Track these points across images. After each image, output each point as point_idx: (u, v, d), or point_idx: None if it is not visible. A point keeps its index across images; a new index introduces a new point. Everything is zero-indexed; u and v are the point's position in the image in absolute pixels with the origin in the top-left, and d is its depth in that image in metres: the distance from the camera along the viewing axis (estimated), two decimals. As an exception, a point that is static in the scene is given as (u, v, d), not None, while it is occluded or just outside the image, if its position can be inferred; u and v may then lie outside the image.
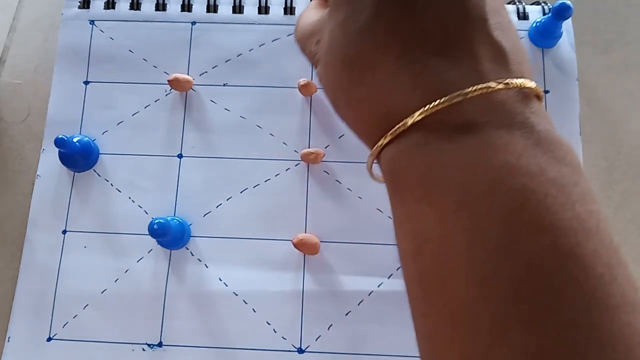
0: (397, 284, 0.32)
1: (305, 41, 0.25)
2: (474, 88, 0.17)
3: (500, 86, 0.17)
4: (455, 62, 0.18)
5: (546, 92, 0.35)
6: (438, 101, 0.17)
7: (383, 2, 0.18)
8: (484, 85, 0.17)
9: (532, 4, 0.37)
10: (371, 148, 0.20)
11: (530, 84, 0.18)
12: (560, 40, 0.36)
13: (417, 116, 0.17)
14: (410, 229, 0.18)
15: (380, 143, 0.19)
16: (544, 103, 0.19)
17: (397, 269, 0.32)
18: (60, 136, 0.32)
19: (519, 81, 0.17)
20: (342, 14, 0.20)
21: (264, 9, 0.37)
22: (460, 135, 0.17)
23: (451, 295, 0.16)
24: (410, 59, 0.18)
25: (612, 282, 0.15)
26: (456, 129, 0.17)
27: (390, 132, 0.18)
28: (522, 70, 0.18)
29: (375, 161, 0.20)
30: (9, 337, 0.32)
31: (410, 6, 0.18)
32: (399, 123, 0.18)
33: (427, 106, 0.17)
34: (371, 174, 0.22)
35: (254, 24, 0.37)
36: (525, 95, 0.18)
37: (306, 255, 0.33)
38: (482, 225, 0.16)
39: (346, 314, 0.32)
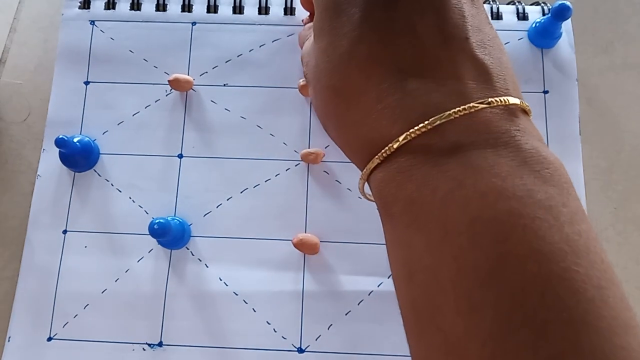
0: (397, 284, 0.32)
1: (302, 61, 0.25)
2: (457, 109, 0.17)
3: (484, 105, 0.17)
4: (438, 83, 0.18)
5: (546, 92, 0.35)
6: (421, 125, 0.17)
7: (364, 28, 0.18)
8: (467, 105, 0.17)
9: (531, 5, 0.37)
10: (361, 170, 0.20)
11: (514, 100, 0.17)
12: (560, 40, 0.36)
13: (401, 140, 0.17)
14: (401, 254, 0.18)
15: (368, 167, 0.19)
16: (531, 117, 0.19)
17: (397, 269, 0.32)
18: (60, 136, 0.32)
19: (502, 99, 0.17)
20: (325, 41, 0.20)
21: (264, 10, 0.37)
22: (445, 158, 0.17)
23: (441, 324, 0.16)
24: (393, 84, 0.18)
25: (603, 304, 0.15)
26: (441, 152, 0.17)
27: (377, 155, 0.18)
28: (507, 86, 0.18)
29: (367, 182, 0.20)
30: (9, 337, 0.32)
31: (389, 31, 0.18)
32: (383, 147, 0.18)
33: (412, 130, 0.17)
34: (364, 195, 0.22)
35: (254, 24, 0.37)
36: (511, 112, 0.17)
37: (306, 255, 0.33)
38: (467, 255, 0.16)
39: (346, 314, 0.32)
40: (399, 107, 0.18)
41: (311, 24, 0.31)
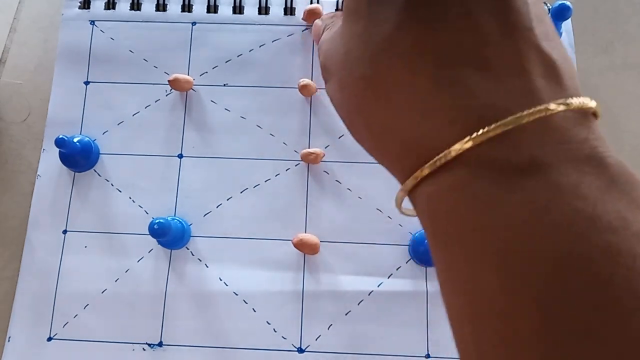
0: (397, 284, 0.32)
1: (319, 51, 0.22)
2: (530, 111, 0.14)
3: (561, 107, 0.14)
4: (501, 80, 0.15)
5: (546, 92, 0.35)
6: (487, 128, 0.14)
7: (410, 10, 0.16)
8: (541, 107, 0.14)
9: (532, 4, 0.37)
10: (400, 178, 0.17)
11: (592, 102, 0.15)
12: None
13: (464, 143, 0.14)
14: (463, 291, 0.15)
15: (416, 175, 0.15)
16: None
17: (397, 269, 0.32)
18: (60, 136, 0.32)
19: (578, 100, 0.14)
20: (361, 25, 0.17)
21: (264, 10, 0.37)
22: (517, 174, 0.14)
23: None
24: (447, 78, 0.15)
25: None
26: (510, 165, 0.14)
27: (428, 164, 0.15)
28: (576, 86, 0.15)
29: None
30: (9, 337, 0.32)
31: (441, 16, 0.15)
32: (436, 154, 0.15)
33: (475, 134, 0.14)
34: (400, 209, 0.19)
35: (254, 24, 0.37)
36: (585, 116, 0.14)
37: (306, 255, 0.33)
38: (557, 303, 0.13)
39: (346, 314, 0.32)
40: (455, 106, 0.15)
41: (330, 13, 0.29)
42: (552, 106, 0.14)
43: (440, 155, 0.15)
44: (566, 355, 0.12)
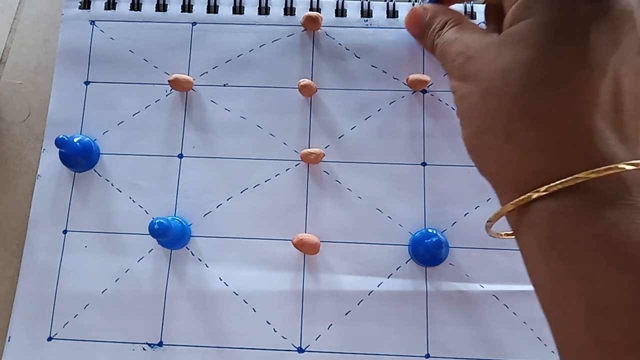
0: (397, 284, 0.32)
1: (447, 49, 0.23)
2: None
3: None
4: (630, 141, 0.18)
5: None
6: (607, 167, 0.17)
7: (590, 60, 0.18)
8: None
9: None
10: (507, 199, 0.19)
11: None
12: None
13: (628, 168, 0.17)
14: (584, 290, 0.17)
15: (529, 196, 0.18)
16: None
17: (397, 269, 0.32)
18: (60, 136, 0.32)
19: None
20: (528, 55, 0.19)
21: (264, 10, 0.37)
22: (634, 206, 0.17)
23: None
24: (610, 122, 0.18)
25: None
26: (622, 196, 0.17)
27: (559, 182, 0.18)
28: None
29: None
30: (9, 337, 0.32)
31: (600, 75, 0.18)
32: (559, 179, 0.17)
33: (597, 169, 0.17)
34: (489, 231, 0.21)
35: (254, 24, 0.37)
36: None
37: (306, 255, 0.33)
38: None
39: (346, 314, 0.32)
40: (594, 149, 0.18)
41: (435, 6, 0.27)
42: None
43: (569, 178, 0.17)
44: None
